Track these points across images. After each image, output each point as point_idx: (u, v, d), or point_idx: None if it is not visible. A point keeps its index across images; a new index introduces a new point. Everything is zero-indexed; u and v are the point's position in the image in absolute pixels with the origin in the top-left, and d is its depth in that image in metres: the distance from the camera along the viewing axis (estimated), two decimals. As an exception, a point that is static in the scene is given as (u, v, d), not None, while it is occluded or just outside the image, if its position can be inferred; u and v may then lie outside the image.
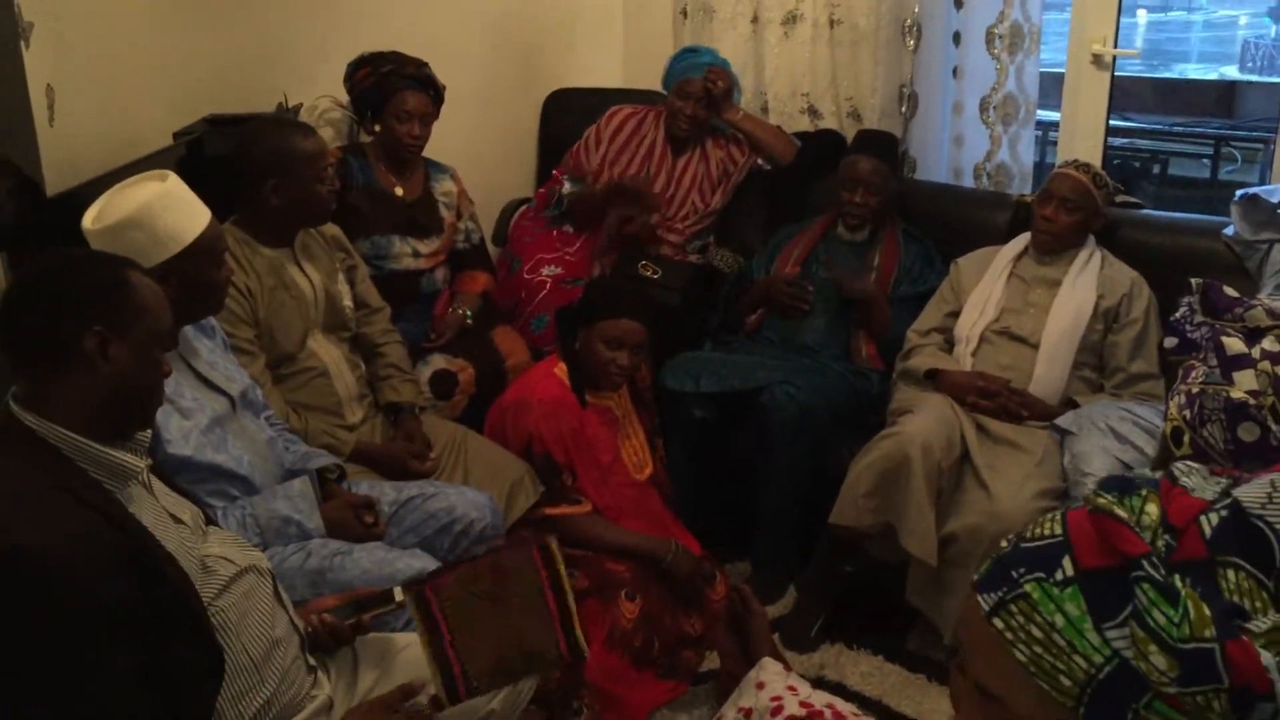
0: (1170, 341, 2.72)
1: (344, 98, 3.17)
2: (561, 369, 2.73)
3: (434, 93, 3.09)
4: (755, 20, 3.89)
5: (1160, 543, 0.90)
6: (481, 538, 2.34)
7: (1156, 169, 6.64)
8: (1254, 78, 7.69)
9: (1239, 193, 2.99)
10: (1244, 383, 2.31)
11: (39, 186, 2.24)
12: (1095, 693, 0.87)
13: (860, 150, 3.32)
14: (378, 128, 3.09)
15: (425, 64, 3.08)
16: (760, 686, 1.57)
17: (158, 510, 1.54)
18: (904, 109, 3.77)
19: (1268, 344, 2.37)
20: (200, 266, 1.98)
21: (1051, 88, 3.92)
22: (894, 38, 3.71)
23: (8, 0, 2.15)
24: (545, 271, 3.51)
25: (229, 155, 2.53)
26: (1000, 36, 3.49)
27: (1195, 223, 3.27)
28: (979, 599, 0.94)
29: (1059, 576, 0.89)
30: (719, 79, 3.54)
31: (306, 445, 2.35)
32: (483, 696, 1.75)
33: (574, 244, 3.59)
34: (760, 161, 3.67)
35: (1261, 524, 0.87)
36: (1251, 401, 2.26)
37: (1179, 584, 0.85)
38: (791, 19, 3.82)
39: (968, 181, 3.69)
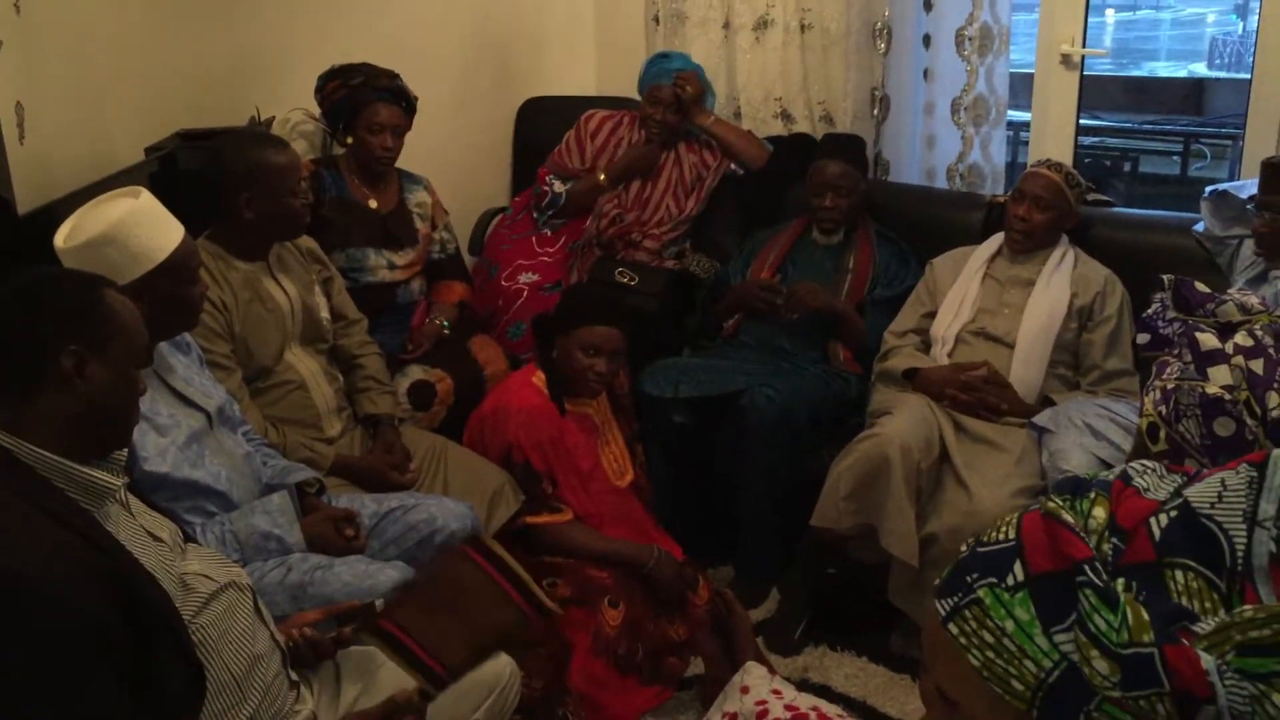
0: (1143, 338, 2.73)
1: (316, 110, 3.16)
2: (540, 377, 2.72)
3: (406, 104, 3.08)
4: (727, 26, 3.90)
5: (1107, 546, 0.90)
6: (463, 548, 2.34)
7: (1127, 167, 6.69)
8: (1222, 74, 7.76)
9: (1208, 189, 3.02)
10: (1218, 378, 2.33)
11: (10, 204, 2.22)
12: (1046, 696, 0.87)
13: (827, 154, 3.33)
14: (350, 140, 3.08)
15: (396, 75, 3.07)
16: (745, 690, 1.58)
17: (136, 528, 1.53)
18: (876, 112, 3.79)
19: (1240, 339, 2.39)
20: (174, 283, 1.97)
21: (1021, 88, 3.96)
22: (864, 41, 3.73)
23: (-26, 18, 2.14)
24: (522, 279, 3.51)
25: (202, 170, 2.52)
26: (970, 38, 3.51)
27: (1166, 220, 3.30)
28: (937, 605, 0.94)
29: (1010, 581, 0.89)
30: (688, 84, 3.55)
31: (285, 459, 2.34)
32: (469, 707, 1.76)
33: (554, 245, 3.59)
34: (733, 166, 3.68)
35: (1211, 524, 0.87)
36: (1226, 396, 2.28)
37: (1119, 589, 0.86)
38: (763, 24, 3.83)
39: (940, 183, 3.71)
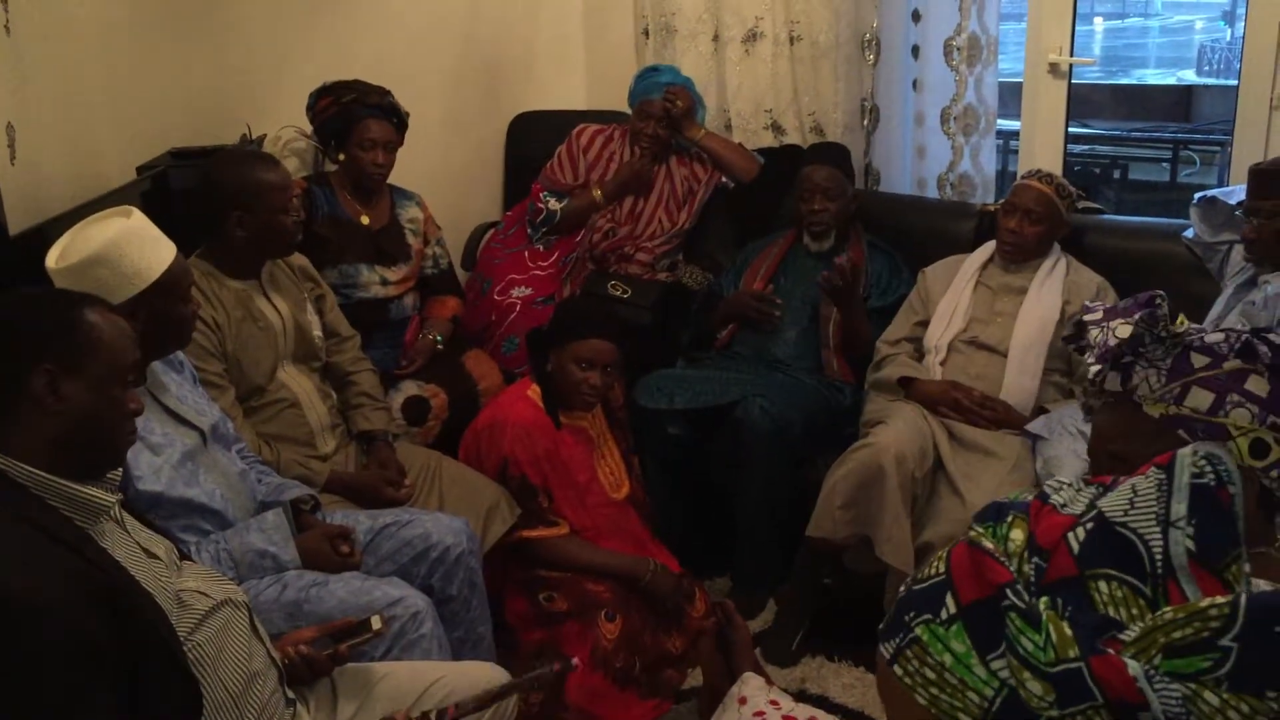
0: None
1: (308, 127, 3.17)
2: (534, 391, 2.72)
3: (397, 120, 3.09)
4: (716, 38, 3.91)
5: (1029, 567, 0.91)
6: (459, 563, 2.34)
7: (1117, 174, 6.73)
8: (1211, 81, 7.81)
9: (1197, 196, 3.03)
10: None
11: (1, 226, 2.22)
12: None
13: (812, 161, 3.36)
14: (342, 157, 3.09)
15: (388, 92, 3.08)
16: (743, 702, 1.58)
17: (131, 545, 1.53)
18: (866, 122, 3.80)
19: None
20: (167, 301, 1.97)
21: (1010, 97, 3.97)
22: (854, 53, 3.74)
23: (-35, 40, 2.14)
24: (515, 293, 3.52)
25: (193, 189, 2.52)
26: (958, 48, 3.53)
27: (1156, 226, 3.32)
28: (881, 648, 0.95)
29: (944, 615, 0.90)
30: (678, 98, 3.56)
31: (279, 477, 2.34)
32: None
33: (547, 259, 3.59)
34: (724, 179, 3.70)
35: (1126, 531, 0.89)
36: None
37: (1043, 608, 0.87)
38: (752, 36, 3.84)
39: (931, 192, 3.73)
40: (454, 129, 3.97)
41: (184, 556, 1.70)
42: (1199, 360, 1.38)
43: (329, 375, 2.74)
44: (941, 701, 0.90)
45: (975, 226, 3.36)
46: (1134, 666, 0.83)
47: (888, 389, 3.01)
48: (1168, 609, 0.85)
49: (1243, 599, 0.82)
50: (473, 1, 3.99)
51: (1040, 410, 2.86)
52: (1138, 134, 7.04)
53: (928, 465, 2.70)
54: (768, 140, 3.89)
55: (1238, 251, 2.84)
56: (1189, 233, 3.06)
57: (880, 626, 0.96)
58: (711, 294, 3.48)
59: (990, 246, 3.11)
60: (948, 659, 0.89)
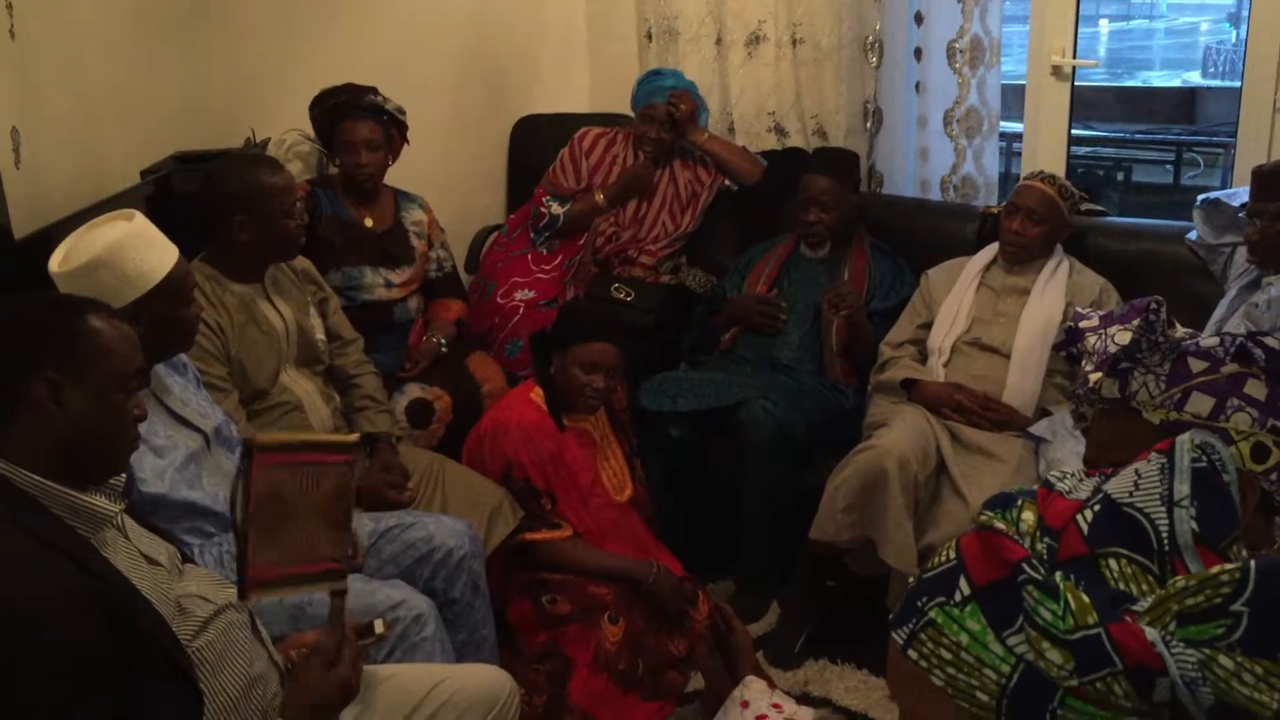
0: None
1: (311, 131, 3.18)
2: (538, 393, 2.73)
3: (386, 118, 3.08)
4: (719, 42, 3.92)
5: (1041, 546, 0.93)
6: (461, 566, 2.34)
7: (1120, 176, 6.73)
8: (1216, 83, 7.80)
9: (1200, 198, 3.03)
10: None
11: (6, 229, 2.23)
12: (1010, 701, 0.89)
13: (815, 169, 3.34)
14: (338, 161, 3.10)
15: (370, 90, 3.07)
16: (745, 705, 1.59)
17: (132, 553, 1.53)
18: (869, 125, 3.80)
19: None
20: (169, 305, 1.98)
21: (1013, 99, 3.97)
22: (856, 55, 3.74)
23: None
24: (518, 296, 3.52)
25: (196, 193, 2.53)
26: (961, 51, 3.53)
27: (1160, 228, 3.31)
28: (894, 636, 0.97)
29: (958, 597, 0.92)
30: (681, 102, 3.56)
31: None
32: None
33: (550, 262, 3.60)
34: (727, 182, 3.70)
35: (1133, 511, 0.91)
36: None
37: (1058, 579, 0.88)
38: (755, 39, 3.85)
39: (934, 194, 3.73)
40: (457, 132, 3.98)
41: (186, 559, 1.71)
42: (1197, 365, 1.38)
43: (332, 378, 2.74)
44: (959, 680, 0.91)
45: (978, 229, 3.36)
46: (1151, 632, 0.84)
47: (891, 391, 3.01)
48: (1179, 578, 0.87)
49: (1253, 564, 0.83)
50: (476, 5, 3.99)
51: (1043, 412, 2.86)
52: (1141, 136, 7.03)
53: (930, 468, 2.70)
54: (770, 143, 3.89)
55: (1241, 254, 2.84)
56: (1192, 235, 3.05)
57: (891, 617, 0.98)
58: (715, 297, 3.49)
59: (993, 248, 3.11)
60: (964, 638, 0.91)
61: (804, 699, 2.66)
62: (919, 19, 3.61)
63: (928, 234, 3.44)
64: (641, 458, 2.97)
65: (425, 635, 2.10)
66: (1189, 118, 7.48)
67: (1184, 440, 0.93)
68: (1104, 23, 10.86)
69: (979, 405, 2.86)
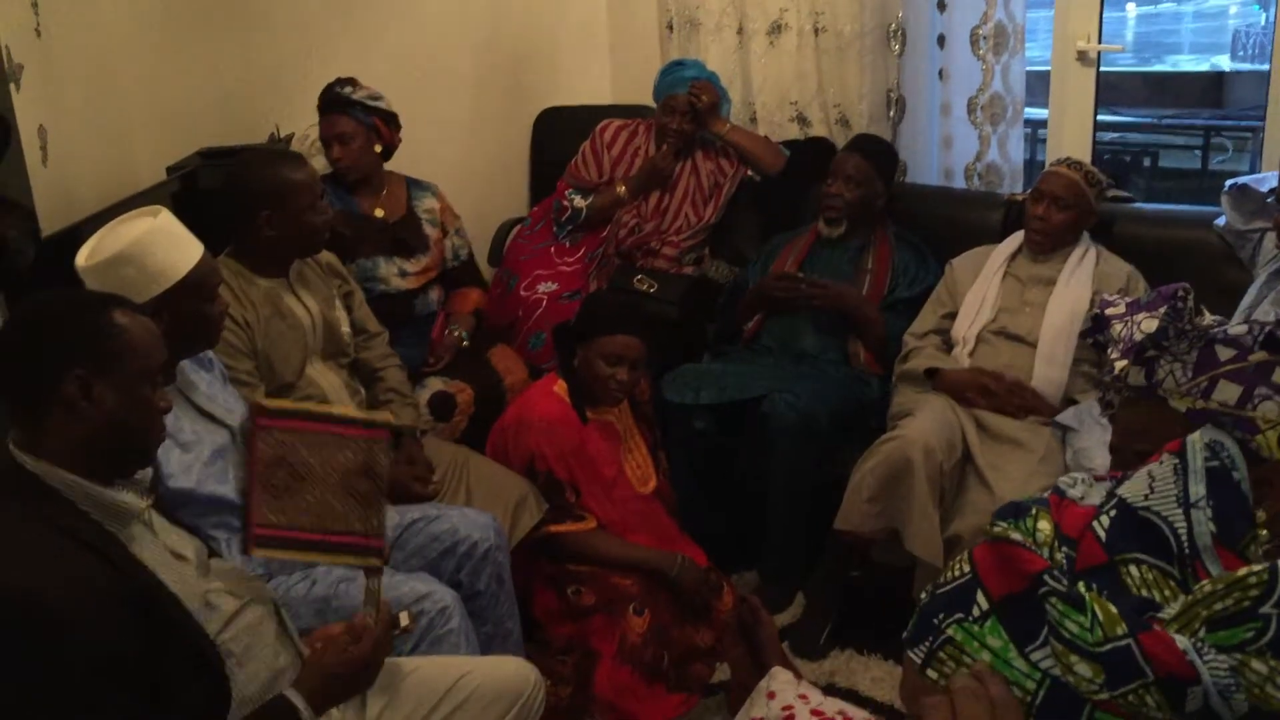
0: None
1: (334, 125, 3.19)
2: (561, 386, 2.73)
3: (360, 110, 3.06)
4: (741, 31, 3.90)
5: (1060, 555, 0.91)
6: (486, 558, 2.35)
7: (1147, 162, 6.64)
8: (1245, 66, 7.69)
9: (1228, 183, 3.00)
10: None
11: (34, 227, 2.25)
12: (1037, 719, 0.87)
13: (852, 147, 3.34)
14: None
15: (345, 82, 3.06)
16: (771, 696, 1.58)
17: (159, 549, 1.55)
18: (892, 113, 3.78)
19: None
20: (193, 301, 1.99)
21: (1038, 85, 3.93)
22: (879, 43, 3.72)
23: (-4, 44, 2.17)
24: (541, 288, 3.52)
25: (222, 188, 2.54)
26: (985, 37, 3.50)
27: (1187, 214, 3.28)
28: (909, 655, 0.94)
29: (976, 613, 0.90)
30: (703, 93, 3.55)
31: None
32: (494, 715, 1.76)
33: (573, 255, 3.60)
34: (750, 173, 3.68)
35: (1150, 514, 0.88)
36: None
37: (1083, 590, 0.86)
38: (776, 28, 3.83)
39: (959, 182, 3.70)
40: (479, 125, 3.98)
41: (213, 554, 1.72)
42: (1224, 353, 1.36)
43: (357, 371, 2.75)
44: None
45: (1003, 217, 3.33)
46: (1182, 641, 0.82)
47: (915, 381, 2.99)
48: (1205, 583, 0.85)
49: None
50: (497, -2, 4.00)
51: (1070, 401, 2.84)
52: (1169, 121, 6.94)
53: (956, 457, 2.69)
54: (793, 133, 3.88)
55: (1270, 239, 2.81)
56: (1220, 220, 3.02)
57: (905, 635, 0.96)
58: (738, 287, 3.47)
59: (1018, 237, 3.08)
60: (985, 655, 0.89)
61: (829, 690, 2.66)
62: (942, 5, 3.58)
63: (952, 222, 3.42)
64: (665, 450, 2.97)
65: (450, 628, 2.10)
66: (1217, 102, 7.38)
67: (1194, 440, 0.91)
68: (1131, 6, 10.72)
69: (1005, 389, 2.83)
